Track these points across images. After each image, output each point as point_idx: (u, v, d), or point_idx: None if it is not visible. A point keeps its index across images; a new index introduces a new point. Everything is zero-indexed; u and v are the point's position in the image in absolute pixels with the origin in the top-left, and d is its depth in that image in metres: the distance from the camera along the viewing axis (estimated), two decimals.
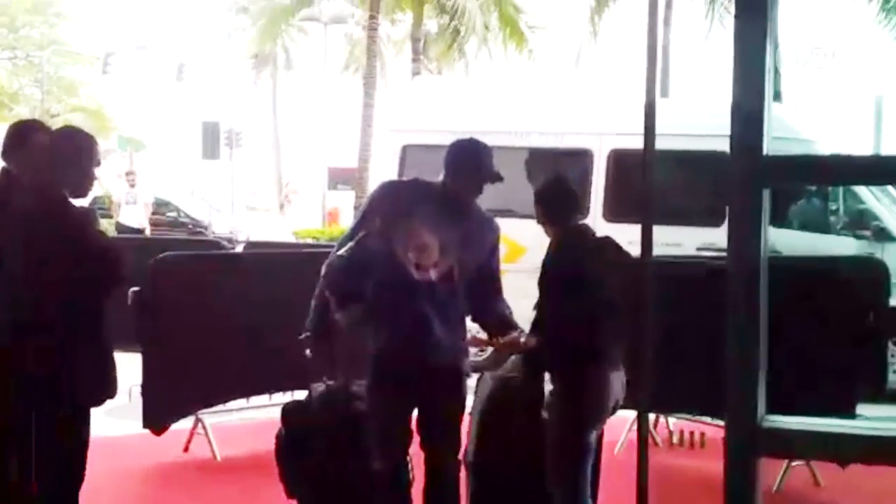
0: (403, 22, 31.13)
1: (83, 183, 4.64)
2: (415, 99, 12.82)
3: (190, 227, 28.14)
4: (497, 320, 5.13)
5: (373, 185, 13.69)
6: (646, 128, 2.20)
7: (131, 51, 39.93)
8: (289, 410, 5.52)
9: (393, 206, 4.98)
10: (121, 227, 17.66)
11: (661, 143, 9.85)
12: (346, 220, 26.47)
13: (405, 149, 11.57)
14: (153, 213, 21.09)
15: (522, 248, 10.01)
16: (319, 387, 5.57)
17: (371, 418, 5.04)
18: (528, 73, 26.24)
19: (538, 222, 5.08)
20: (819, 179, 2.26)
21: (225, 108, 42.67)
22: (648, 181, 2.29)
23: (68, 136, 4.77)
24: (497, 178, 4.98)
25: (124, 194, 18.90)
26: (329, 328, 5.09)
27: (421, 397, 4.97)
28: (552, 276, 4.84)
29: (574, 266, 4.83)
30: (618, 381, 4.85)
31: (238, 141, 36.10)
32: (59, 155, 4.54)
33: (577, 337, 4.74)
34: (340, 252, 4.99)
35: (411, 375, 4.89)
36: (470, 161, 4.99)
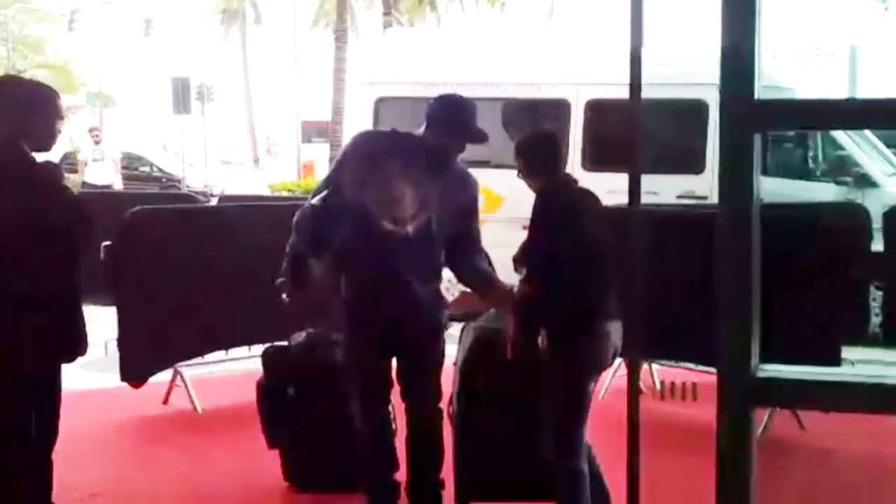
0: None
1: (46, 137, 4.50)
2: (388, 52, 12.68)
3: (163, 181, 27.96)
4: (476, 275, 5.08)
5: (347, 138, 13.54)
6: (631, 75, 2.17)
7: (96, 7, 39.39)
8: (269, 355, 5.50)
9: (369, 157, 4.86)
10: (88, 187, 16.74)
11: (645, 93, 9.93)
12: (322, 173, 26.35)
13: (379, 102, 11.46)
14: (125, 168, 20.65)
15: (500, 197, 9.99)
16: (300, 335, 5.55)
17: (349, 371, 4.99)
18: (501, 25, 26.11)
19: (520, 176, 4.99)
20: (812, 123, 2.22)
21: (195, 64, 42.23)
22: (636, 128, 2.27)
23: (28, 90, 4.63)
24: (482, 137, 4.91)
25: (90, 151, 18.00)
26: (305, 274, 5.01)
27: (397, 349, 4.94)
28: (543, 228, 4.76)
29: (566, 217, 4.74)
30: (616, 330, 4.79)
31: (210, 96, 35.78)
32: (20, 108, 4.42)
33: (574, 289, 4.68)
34: (314, 200, 4.90)
35: (384, 327, 4.85)
36: (456, 118, 4.89)
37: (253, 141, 51.76)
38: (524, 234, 6.82)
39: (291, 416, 5.33)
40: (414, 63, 11.78)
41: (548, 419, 4.79)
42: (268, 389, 5.41)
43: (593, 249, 4.71)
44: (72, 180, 23.16)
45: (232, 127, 50.73)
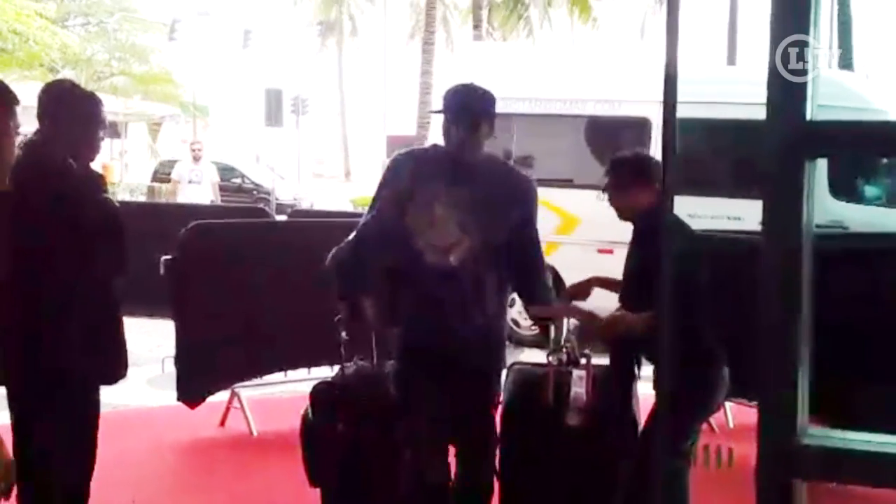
0: None
1: (87, 146, 4.31)
2: (468, 65, 12.46)
3: (254, 193, 28.13)
4: (540, 304, 4.66)
5: None
6: (666, 92, 1.96)
7: (195, 17, 39.97)
8: (319, 391, 5.14)
9: (405, 181, 4.43)
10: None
11: (729, 112, 9.57)
12: None
13: None
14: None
15: (577, 219, 9.68)
16: (350, 367, 5.18)
17: (400, 415, 4.61)
18: (589, 41, 25.84)
19: (609, 192, 4.59)
20: (872, 149, 1.98)
21: (290, 76, 42.67)
22: (668, 149, 2.05)
23: (72, 97, 4.42)
24: (471, 113, 4.39)
25: (187, 171, 15.57)
26: (360, 313, 4.63)
27: (448, 391, 4.47)
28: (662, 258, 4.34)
29: (689, 247, 4.33)
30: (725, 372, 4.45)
31: (304, 108, 36.06)
32: (62, 115, 4.24)
33: (701, 327, 4.22)
34: (350, 237, 4.51)
35: (434, 371, 4.42)
36: (459, 106, 4.43)
37: (345, 154, 52.01)
38: (600, 258, 6.48)
39: (337, 451, 4.97)
40: (493, 77, 11.51)
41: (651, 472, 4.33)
42: (312, 426, 5.08)
43: (712, 282, 4.35)
44: (164, 191, 23.30)
45: (325, 140, 51.06)
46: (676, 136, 3.10)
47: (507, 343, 4.90)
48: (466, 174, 4.38)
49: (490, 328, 4.48)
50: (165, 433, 7.15)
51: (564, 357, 4.60)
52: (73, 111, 4.30)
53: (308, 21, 51.28)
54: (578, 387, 4.43)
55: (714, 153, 10.60)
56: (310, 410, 5.10)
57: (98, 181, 4.38)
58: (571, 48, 18.22)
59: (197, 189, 15.13)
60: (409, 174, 4.46)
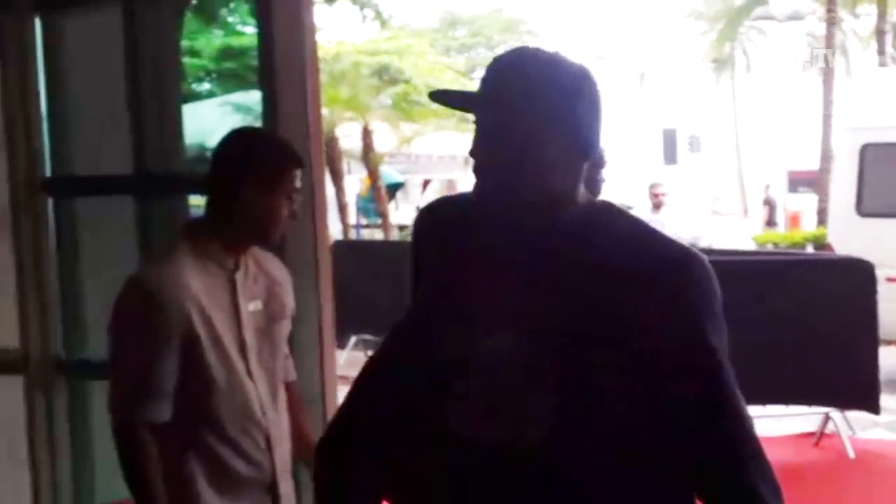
0: (870, 15, 29.76)
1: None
2: (876, 92, 12.07)
3: None
4: None
5: (834, 188, 12.80)
6: None
7: (592, 62, 41.11)
8: None
9: (437, 270, 2.06)
10: None
11: None
12: (808, 225, 25.70)
13: (865, 148, 10.95)
14: None
15: None
16: None
17: None
18: None
19: None
20: None
21: (684, 114, 42.76)
22: None
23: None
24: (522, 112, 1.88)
25: (646, 220, 10.46)
26: None
27: None
28: None
29: None
30: None
31: (698, 146, 36.12)
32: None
33: None
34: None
35: None
36: (479, 98, 1.95)
37: (742, 191, 51.30)
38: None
39: None
40: None
41: None
42: None
43: None
44: None
45: (721, 177, 50.63)
46: None
47: None
48: (525, 250, 1.92)
49: None
50: None
51: None
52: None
53: (701, 59, 51.28)
54: None
55: None
56: None
57: None
58: None
59: None
60: (427, 257, 2.14)
